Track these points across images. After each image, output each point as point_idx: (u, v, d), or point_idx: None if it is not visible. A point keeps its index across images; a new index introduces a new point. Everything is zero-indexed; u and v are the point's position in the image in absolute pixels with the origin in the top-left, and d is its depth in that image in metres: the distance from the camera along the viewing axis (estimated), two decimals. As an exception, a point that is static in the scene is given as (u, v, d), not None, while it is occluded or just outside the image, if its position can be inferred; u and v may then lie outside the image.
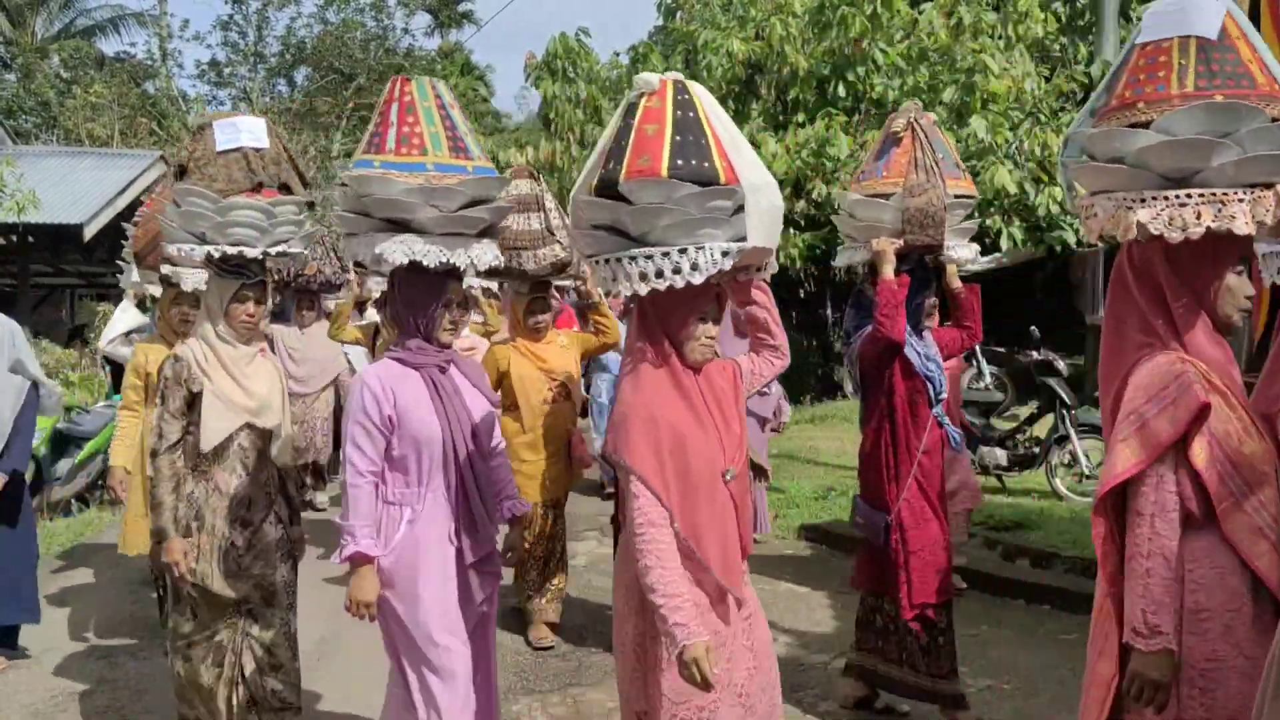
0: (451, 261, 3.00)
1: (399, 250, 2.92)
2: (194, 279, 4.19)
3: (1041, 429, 7.90)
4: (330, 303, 7.48)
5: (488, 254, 3.07)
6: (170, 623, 3.60)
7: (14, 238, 13.39)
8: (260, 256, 3.44)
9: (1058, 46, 12.56)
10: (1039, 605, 5.54)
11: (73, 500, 8.31)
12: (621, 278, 2.51)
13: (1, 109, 20.58)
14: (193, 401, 3.43)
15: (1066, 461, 7.54)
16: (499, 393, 4.73)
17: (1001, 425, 8.57)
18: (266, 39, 26.96)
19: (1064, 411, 7.56)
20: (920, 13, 11.80)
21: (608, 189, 2.53)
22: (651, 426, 2.51)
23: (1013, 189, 10.42)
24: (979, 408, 8.35)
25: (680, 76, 2.61)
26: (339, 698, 4.39)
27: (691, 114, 2.53)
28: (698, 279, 2.47)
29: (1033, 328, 8.48)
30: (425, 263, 2.94)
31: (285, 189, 3.53)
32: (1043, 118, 11.23)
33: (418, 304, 3.06)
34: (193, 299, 4.46)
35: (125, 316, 5.83)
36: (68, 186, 13.79)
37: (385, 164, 2.95)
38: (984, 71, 10.79)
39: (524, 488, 4.60)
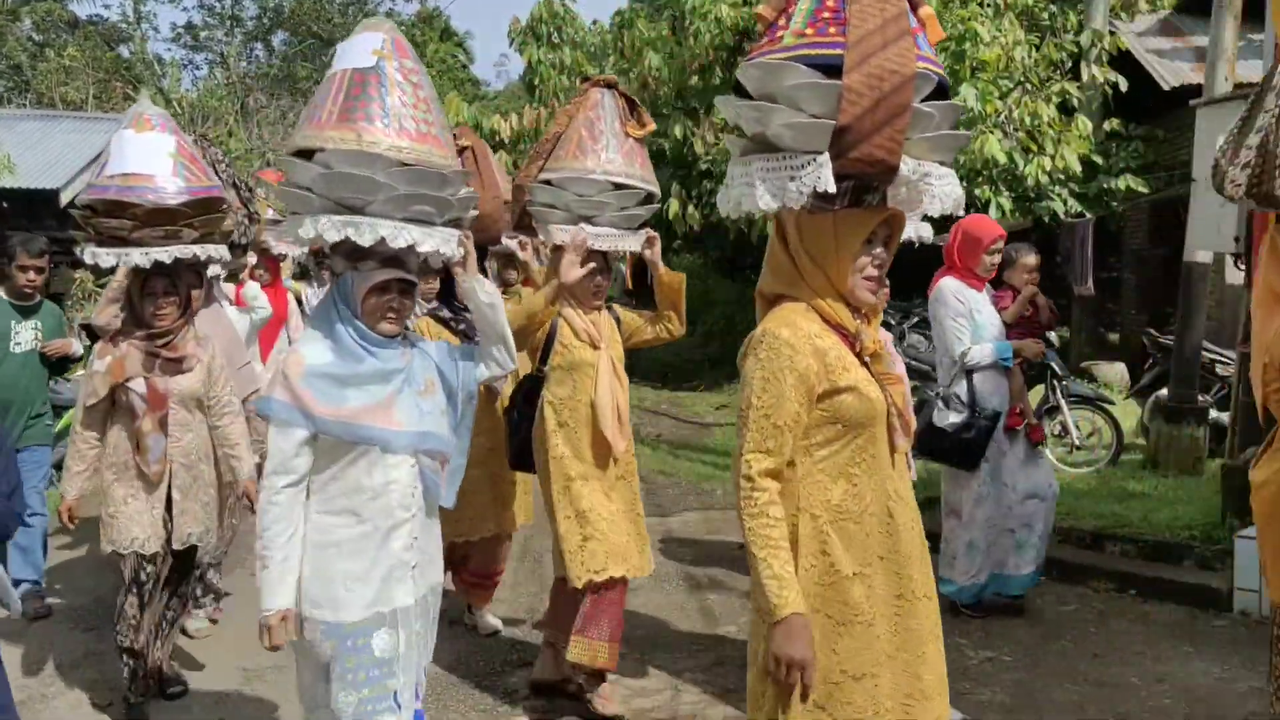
0: None
1: None
2: (608, 242, 3.50)
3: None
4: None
5: None
6: None
7: (-13, 203, 13.11)
8: None
9: (1047, 15, 12.45)
10: (1034, 576, 5.53)
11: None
12: None
13: (-28, 72, 20.17)
14: None
15: (1057, 433, 7.54)
16: None
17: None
18: (243, 2, 26.61)
19: (1055, 382, 7.53)
20: (910, -21, 11.68)
21: None
22: None
23: (1002, 159, 10.35)
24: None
25: None
26: None
27: None
28: None
29: (1025, 297, 8.42)
30: None
31: None
32: (1031, 86, 11.16)
33: None
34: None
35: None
36: (43, 150, 13.49)
37: None
38: (974, 39, 10.69)
39: None
